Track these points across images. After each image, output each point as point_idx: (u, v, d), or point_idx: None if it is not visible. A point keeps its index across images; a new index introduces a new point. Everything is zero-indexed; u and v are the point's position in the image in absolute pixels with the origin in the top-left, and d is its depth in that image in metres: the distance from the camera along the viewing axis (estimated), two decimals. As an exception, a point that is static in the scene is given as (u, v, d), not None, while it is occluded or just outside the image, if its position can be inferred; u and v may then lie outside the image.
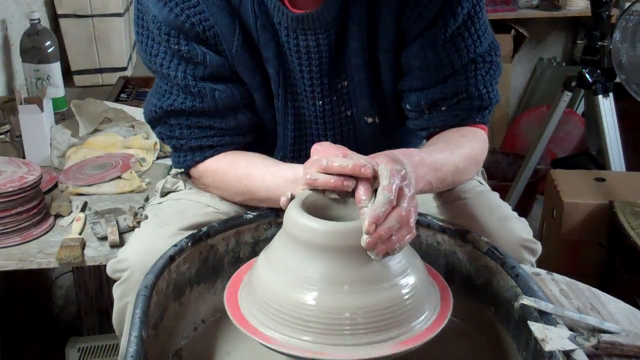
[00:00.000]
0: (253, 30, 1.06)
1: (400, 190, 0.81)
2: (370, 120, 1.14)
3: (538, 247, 1.07)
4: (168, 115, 1.10)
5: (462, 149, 1.06)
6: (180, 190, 1.18)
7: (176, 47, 1.05)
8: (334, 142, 1.13)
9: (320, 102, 1.11)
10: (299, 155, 1.16)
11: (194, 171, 1.15)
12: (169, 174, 1.25)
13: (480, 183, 1.17)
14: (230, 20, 1.05)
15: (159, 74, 1.10)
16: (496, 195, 1.14)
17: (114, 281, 1.06)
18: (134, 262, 1.02)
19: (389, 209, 0.79)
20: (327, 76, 1.09)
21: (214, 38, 1.06)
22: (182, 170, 1.18)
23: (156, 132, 1.16)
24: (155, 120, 1.13)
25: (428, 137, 1.13)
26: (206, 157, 1.12)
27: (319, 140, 1.14)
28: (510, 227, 1.05)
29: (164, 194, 1.19)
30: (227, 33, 1.05)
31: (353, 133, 1.15)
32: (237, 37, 1.06)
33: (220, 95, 1.08)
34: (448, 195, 1.10)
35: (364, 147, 1.14)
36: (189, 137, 1.11)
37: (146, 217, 1.13)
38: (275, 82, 1.10)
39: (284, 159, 1.16)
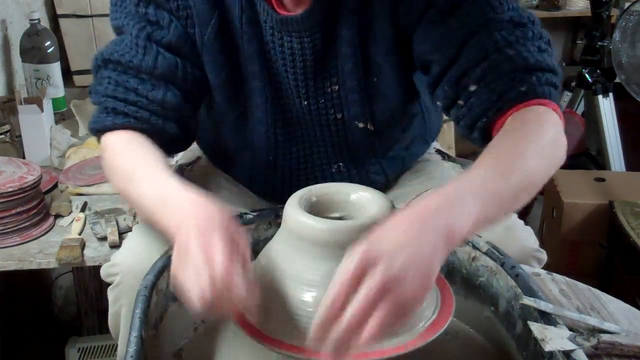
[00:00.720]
0: (237, 25, 1.04)
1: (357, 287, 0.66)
2: (361, 125, 1.10)
3: (544, 256, 1.06)
4: (105, 63, 1.05)
5: (500, 148, 0.84)
6: None
7: (144, 10, 1.04)
8: (324, 143, 1.12)
9: (306, 103, 1.08)
10: (290, 157, 1.14)
11: (102, 141, 1.05)
12: None
13: None
14: (209, 7, 1.03)
15: (119, 33, 1.07)
16: None
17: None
18: (126, 266, 1.02)
19: (330, 318, 0.67)
20: (313, 79, 1.06)
21: (187, 19, 1.04)
22: (94, 132, 1.07)
23: (90, 85, 1.09)
24: (93, 71, 1.08)
25: (482, 141, 0.94)
26: (116, 125, 1.02)
27: (309, 141, 1.12)
28: (517, 237, 1.03)
29: None
30: (203, 19, 1.04)
31: (344, 135, 1.12)
32: (212, 26, 1.04)
33: (162, 62, 1.03)
34: None
35: (358, 150, 1.13)
36: (111, 95, 1.02)
37: (137, 222, 1.13)
38: (260, 79, 1.07)
39: (275, 161, 1.14)
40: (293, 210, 0.84)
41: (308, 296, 0.79)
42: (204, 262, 0.72)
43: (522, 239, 1.04)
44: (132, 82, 1.03)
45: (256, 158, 1.16)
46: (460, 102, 0.95)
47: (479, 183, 0.75)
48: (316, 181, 1.07)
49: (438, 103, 1.00)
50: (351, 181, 1.10)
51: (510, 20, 0.93)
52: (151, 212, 0.85)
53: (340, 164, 1.15)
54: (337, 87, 1.07)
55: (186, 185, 0.84)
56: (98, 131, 1.04)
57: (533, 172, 0.81)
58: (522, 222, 1.08)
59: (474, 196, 0.73)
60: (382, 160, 1.18)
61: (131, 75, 1.03)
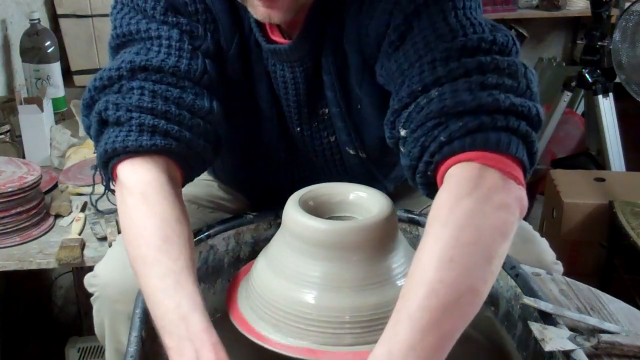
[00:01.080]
0: (249, 45, 1.00)
1: None
2: (352, 152, 1.05)
3: (560, 267, 1.05)
4: (133, 74, 0.90)
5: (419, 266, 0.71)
6: None
7: (174, 19, 0.94)
8: (322, 167, 1.08)
9: (299, 129, 1.05)
10: (292, 179, 1.11)
11: (123, 173, 0.88)
12: None
13: None
14: (232, 22, 0.97)
15: (128, 41, 0.95)
16: None
17: None
18: (104, 279, 1.01)
19: None
20: (307, 105, 1.02)
21: (214, 32, 0.97)
22: (109, 157, 0.89)
23: (96, 108, 0.92)
24: (104, 88, 0.91)
25: (429, 196, 0.82)
26: (153, 148, 0.87)
27: (309, 164, 1.08)
28: (535, 250, 1.03)
29: None
30: (227, 34, 0.98)
31: (339, 158, 1.07)
32: (236, 41, 0.98)
33: (211, 68, 0.95)
34: None
35: (357, 175, 1.08)
36: (147, 108, 0.88)
37: (115, 240, 1.11)
38: (267, 101, 1.03)
39: (276, 182, 1.12)
40: (293, 210, 0.84)
41: (308, 297, 0.79)
42: None
43: (540, 251, 1.04)
44: (173, 91, 0.90)
45: (258, 179, 1.15)
46: (400, 149, 0.85)
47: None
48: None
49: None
50: None
51: (450, 49, 0.80)
52: (160, 318, 0.76)
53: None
54: (327, 110, 1.03)
55: (210, 332, 0.75)
56: (125, 152, 0.87)
57: (459, 302, 0.69)
58: (538, 234, 1.06)
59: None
60: (385, 181, 1.15)
61: (171, 84, 0.90)
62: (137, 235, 0.83)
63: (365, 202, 0.88)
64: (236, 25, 0.98)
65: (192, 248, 0.84)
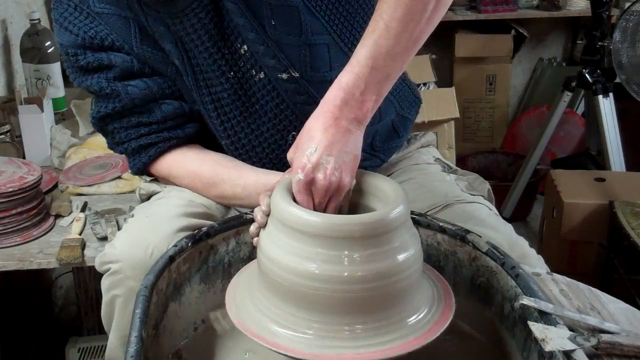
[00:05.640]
0: (146, 26, 1.07)
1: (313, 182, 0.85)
2: (285, 76, 1.05)
3: None
4: (104, 122, 1.13)
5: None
6: (158, 192, 1.19)
7: (85, 61, 1.09)
8: (266, 113, 1.09)
9: (232, 74, 1.07)
10: (240, 141, 1.12)
11: (155, 173, 1.17)
12: (141, 179, 1.26)
13: (490, 209, 1.11)
14: (124, 21, 1.08)
15: (88, 92, 1.15)
16: (511, 227, 1.08)
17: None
18: (121, 255, 1.00)
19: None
20: (225, 47, 1.05)
21: (114, 44, 1.09)
22: (142, 175, 1.20)
23: (107, 144, 1.19)
24: (101, 132, 1.18)
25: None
26: (151, 157, 1.13)
27: (250, 116, 1.09)
28: (529, 265, 1.01)
29: (144, 199, 1.21)
30: (124, 35, 1.08)
31: (277, 94, 1.07)
32: (134, 36, 1.08)
33: (134, 90, 1.09)
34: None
35: (302, 112, 1.07)
36: (128, 139, 1.13)
37: (132, 216, 1.12)
38: (185, 73, 1.08)
39: (228, 147, 1.13)
40: (281, 200, 0.83)
41: (306, 293, 0.79)
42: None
43: (534, 267, 1.03)
44: (132, 119, 1.12)
45: (213, 146, 1.17)
46: None
47: (368, 69, 0.86)
48: (276, 159, 1.10)
49: None
50: None
51: None
52: (257, 179, 1.04)
53: (294, 133, 1.09)
54: (246, 47, 1.05)
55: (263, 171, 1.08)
56: (143, 169, 1.16)
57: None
58: (534, 250, 1.05)
59: (368, 84, 0.87)
60: None
61: (126, 115, 1.12)
62: (197, 192, 1.11)
63: (375, 190, 0.88)
64: (128, 21, 1.07)
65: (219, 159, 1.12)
